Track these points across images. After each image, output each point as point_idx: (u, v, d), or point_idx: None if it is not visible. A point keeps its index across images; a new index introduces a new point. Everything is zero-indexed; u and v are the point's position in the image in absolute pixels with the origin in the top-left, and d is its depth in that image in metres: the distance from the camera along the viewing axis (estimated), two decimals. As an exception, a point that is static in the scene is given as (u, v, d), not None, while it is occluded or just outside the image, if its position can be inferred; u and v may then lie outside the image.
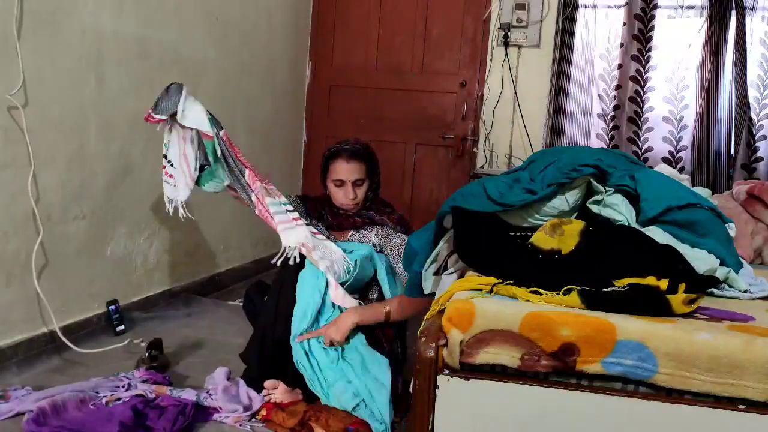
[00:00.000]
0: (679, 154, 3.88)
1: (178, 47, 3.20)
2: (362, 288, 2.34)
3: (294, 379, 2.17)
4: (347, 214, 2.41)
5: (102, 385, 2.21)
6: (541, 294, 1.55)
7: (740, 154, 3.70)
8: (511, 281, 1.60)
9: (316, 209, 2.47)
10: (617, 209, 1.86)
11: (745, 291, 1.74)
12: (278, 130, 4.25)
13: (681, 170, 3.79)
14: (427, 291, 2.03)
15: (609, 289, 1.55)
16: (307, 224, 2.24)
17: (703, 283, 1.67)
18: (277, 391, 2.18)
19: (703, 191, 2.25)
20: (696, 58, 3.81)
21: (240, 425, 2.06)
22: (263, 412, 2.11)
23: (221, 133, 2.32)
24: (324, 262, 2.12)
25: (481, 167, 4.18)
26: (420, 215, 4.14)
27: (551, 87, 4.01)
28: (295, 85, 4.43)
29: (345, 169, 2.36)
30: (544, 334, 1.43)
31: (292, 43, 4.31)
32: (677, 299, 1.50)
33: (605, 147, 3.94)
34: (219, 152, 2.31)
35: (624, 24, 3.89)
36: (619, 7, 3.92)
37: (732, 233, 1.91)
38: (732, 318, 1.51)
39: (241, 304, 2.77)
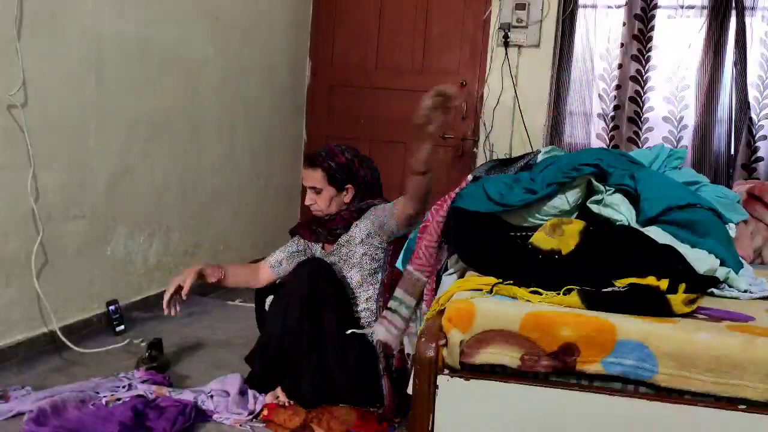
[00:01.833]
0: (679, 154, 3.88)
1: (178, 47, 3.20)
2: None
3: (290, 389, 2.17)
4: (331, 218, 2.34)
5: (102, 385, 2.21)
6: (541, 294, 1.55)
7: (740, 154, 3.70)
8: (511, 281, 1.60)
9: (309, 229, 2.39)
10: (617, 209, 1.86)
11: (745, 291, 1.74)
12: (278, 130, 4.25)
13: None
14: (427, 291, 2.02)
15: (609, 289, 1.55)
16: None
17: (703, 283, 1.67)
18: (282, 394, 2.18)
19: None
20: (696, 58, 3.81)
21: (240, 426, 2.05)
22: (264, 412, 2.11)
23: None
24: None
25: (482, 167, 4.18)
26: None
27: (551, 87, 4.01)
28: (295, 85, 4.42)
29: (305, 174, 2.34)
30: (544, 334, 1.43)
31: (292, 43, 4.31)
32: (677, 299, 1.50)
33: (605, 147, 3.93)
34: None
35: (624, 24, 3.89)
36: (619, 7, 3.92)
37: (732, 233, 1.92)
38: (732, 318, 1.51)
39: (242, 303, 2.77)
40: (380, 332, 2.02)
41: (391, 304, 2.04)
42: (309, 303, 2.13)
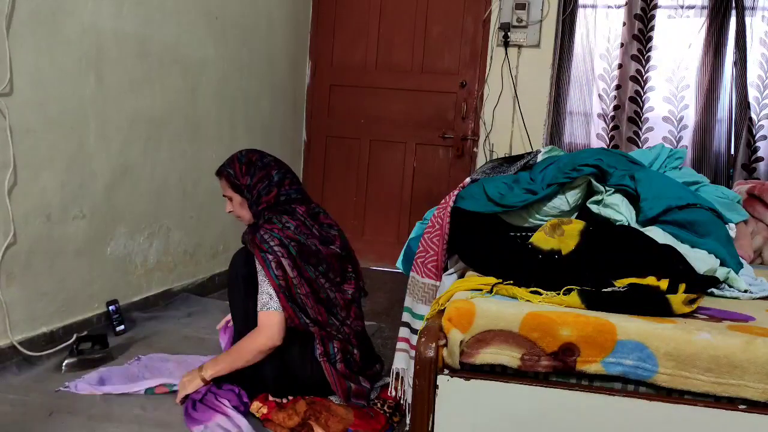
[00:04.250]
0: (679, 154, 3.88)
1: (178, 46, 3.20)
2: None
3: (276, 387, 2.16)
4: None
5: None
6: (541, 294, 1.55)
7: (740, 154, 3.71)
8: (511, 281, 1.60)
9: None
10: (617, 209, 1.86)
11: (745, 291, 1.74)
12: (278, 129, 4.25)
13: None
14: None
15: (609, 289, 1.55)
16: None
17: (703, 283, 1.67)
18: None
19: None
20: (696, 58, 3.81)
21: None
22: (264, 410, 2.10)
23: None
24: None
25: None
26: (420, 216, 4.12)
27: (551, 87, 4.01)
28: (295, 84, 4.42)
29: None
30: (544, 334, 1.43)
31: (292, 42, 4.31)
32: (677, 299, 1.50)
33: (605, 147, 3.94)
34: None
35: (624, 24, 3.89)
36: (619, 7, 3.92)
37: (732, 233, 1.92)
38: (732, 318, 1.51)
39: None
40: (400, 361, 1.95)
41: (404, 316, 2.03)
42: (248, 283, 2.15)
